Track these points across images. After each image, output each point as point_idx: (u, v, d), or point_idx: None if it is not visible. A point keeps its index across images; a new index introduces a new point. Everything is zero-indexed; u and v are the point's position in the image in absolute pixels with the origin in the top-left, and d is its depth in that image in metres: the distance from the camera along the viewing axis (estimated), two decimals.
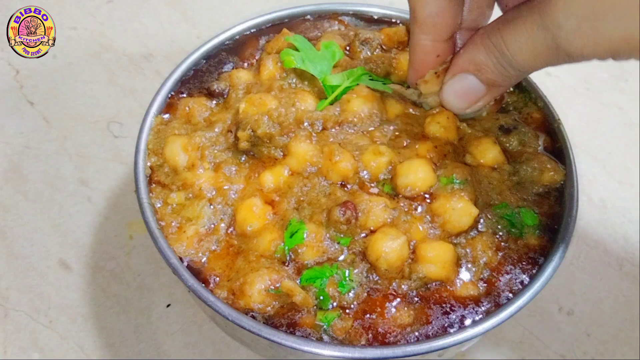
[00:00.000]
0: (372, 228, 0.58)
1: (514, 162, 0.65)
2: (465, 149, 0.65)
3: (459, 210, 0.58)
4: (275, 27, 0.77)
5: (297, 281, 0.56)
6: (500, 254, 0.60)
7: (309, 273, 0.56)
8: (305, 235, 0.57)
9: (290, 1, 0.81)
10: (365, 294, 0.56)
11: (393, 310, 0.56)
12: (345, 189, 0.60)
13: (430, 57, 0.60)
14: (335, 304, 0.56)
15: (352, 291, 0.56)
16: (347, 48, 0.74)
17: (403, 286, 0.57)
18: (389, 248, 0.56)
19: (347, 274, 0.56)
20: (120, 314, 0.79)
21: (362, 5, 0.78)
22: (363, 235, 0.58)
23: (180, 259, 0.58)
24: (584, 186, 0.94)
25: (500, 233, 0.61)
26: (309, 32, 0.76)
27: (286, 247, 0.57)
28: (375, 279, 0.57)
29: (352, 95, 0.65)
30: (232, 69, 0.72)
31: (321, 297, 0.56)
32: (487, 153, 0.64)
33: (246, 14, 0.79)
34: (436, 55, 0.59)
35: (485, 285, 0.58)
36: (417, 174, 0.60)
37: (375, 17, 0.79)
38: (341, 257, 0.58)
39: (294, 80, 0.69)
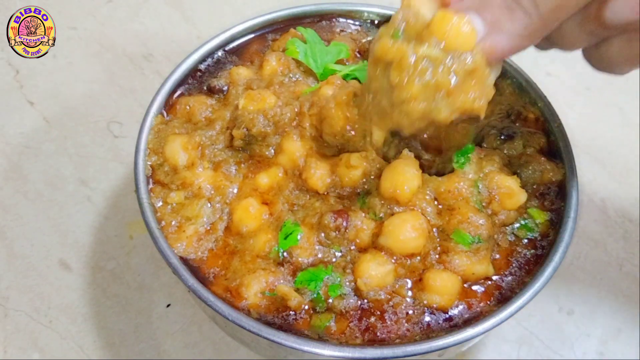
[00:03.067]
0: (360, 246, 0.58)
1: (515, 165, 0.64)
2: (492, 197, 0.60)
3: (478, 273, 0.57)
4: (283, 28, 0.77)
5: (292, 283, 0.56)
6: (505, 259, 0.60)
7: (303, 275, 0.56)
8: (299, 237, 0.57)
9: (291, 1, 0.81)
10: (358, 304, 0.56)
11: (390, 314, 0.56)
12: (338, 199, 0.60)
13: None
14: (329, 306, 0.56)
15: (346, 297, 0.56)
16: (358, 52, 0.74)
17: (399, 308, 0.56)
18: (374, 272, 0.55)
19: (339, 281, 0.56)
20: (120, 314, 0.78)
21: (362, 5, 0.78)
22: (353, 247, 0.58)
23: (180, 258, 0.58)
24: (584, 186, 0.94)
25: (509, 241, 0.61)
26: (320, 33, 0.76)
27: (280, 249, 0.57)
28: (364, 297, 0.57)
29: (323, 84, 0.65)
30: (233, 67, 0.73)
31: (316, 300, 0.56)
32: (515, 201, 0.60)
33: (246, 13, 0.79)
34: None
35: (486, 287, 0.58)
36: (402, 237, 0.56)
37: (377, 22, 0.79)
38: (334, 260, 0.58)
39: (297, 76, 0.69)
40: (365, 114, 0.56)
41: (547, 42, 0.49)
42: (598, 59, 0.49)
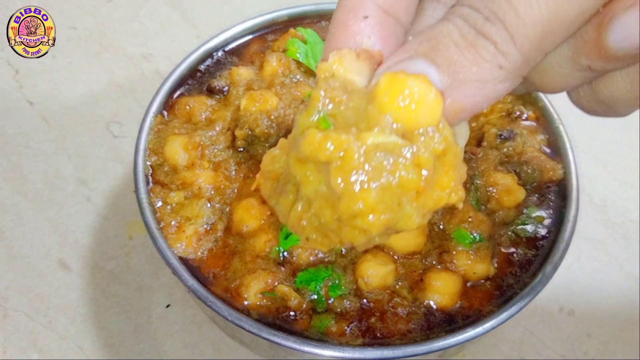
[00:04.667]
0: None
1: (515, 164, 0.64)
2: (486, 191, 0.61)
3: (479, 272, 0.57)
4: (283, 28, 0.77)
5: (292, 283, 0.56)
6: (506, 259, 0.60)
7: (304, 275, 0.56)
8: None
9: (291, 1, 0.81)
10: (359, 304, 0.56)
11: (390, 314, 0.56)
12: None
13: (353, 15, 0.35)
14: (329, 306, 0.56)
15: (346, 297, 0.56)
16: None
17: (399, 308, 0.56)
18: (375, 271, 0.55)
19: (338, 281, 0.56)
20: (119, 314, 0.78)
21: None
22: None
23: (180, 258, 0.58)
24: (585, 186, 0.94)
25: (510, 241, 0.61)
26: (320, 33, 0.76)
27: (280, 249, 0.57)
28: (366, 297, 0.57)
29: None
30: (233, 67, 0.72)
31: (316, 300, 0.55)
32: (513, 199, 0.60)
33: (246, 13, 0.79)
34: (363, 15, 0.35)
35: (486, 287, 0.58)
36: (403, 235, 0.56)
37: None
38: (334, 259, 0.57)
39: (298, 77, 0.69)
40: (297, 228, 0.37)
41: (522, 83, 0.36)
42: (593, 101, 0.37)
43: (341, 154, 0.32)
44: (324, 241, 0.37)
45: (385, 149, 0.32)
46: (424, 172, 0.33)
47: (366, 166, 0.32)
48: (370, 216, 0.33)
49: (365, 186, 0.32)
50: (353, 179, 0.32)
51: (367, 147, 0.32)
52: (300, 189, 0.36)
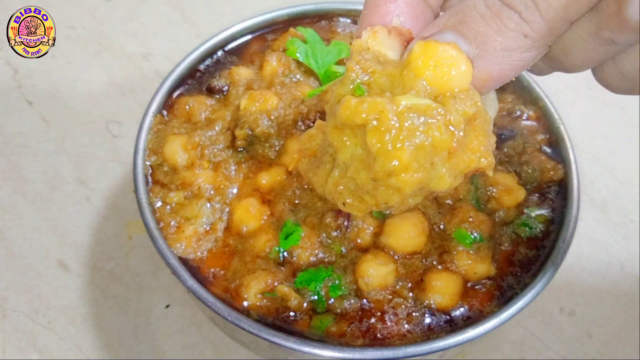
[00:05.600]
0: (361, 246, 0.57)
1: (515, 164, 0.64)
2: (487, 190, 0.60)
3: (479, 272, 0.57)
4: (283, 28, 0.77)
5: (292, 283, 0.56)
6: (506, 259, 0.60)
7: (304, 275, 0.56)
8: (300, 237, 0.57)
9: (291, 1, 0.80)
10: (359, 304, 0.56)
11: (391, 314, 0.56)
12: None
13: None
14: (330, 306, 0.56)
15: (346, 298, 0.56)
16: None
17: (400, 308, 0.56)
18: (376, 271, 0.55)
19: (338, 282, 0.56)
20: (119, 315, 0.78)
21: (362, 4, 0.78)
22: (353, 246, 0.58)
23: (180, 258, 0.57)
24: (585, 186, 0.94)
25: (510, 241, 0.60)
26: (320, 33, 0.76)
27: (281, 249, 0.57)
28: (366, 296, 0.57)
29: (329, 87, 0.65)
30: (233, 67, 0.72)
31: (316, 301, 0.55)
32: (513, 199, 0.60)
33: (246, 13, 0.79)
34: None
35: (487, 288, 0.58)
36: (404, 235, 0.56)
37: None
38: (334, 259, 0.57)
39: (298, 76, 0.69)
40: (334, 194, 0.41)
41: (547, 62, 0.38)
42: (618, 78, 0.38)
43: (376, 116, 0.35)
44: (360, 205, 0.40)
45: (418, 111, 0.35)
46: (456, 133, 0.35)
47: (400, 127, 0.35)
48: (404, 174, 0.35)
49: (399, 145, 0.34)
50: (388, 138, 0.35)
51: (401, 109, 0.35)
52: (337, 157, 0.39)
